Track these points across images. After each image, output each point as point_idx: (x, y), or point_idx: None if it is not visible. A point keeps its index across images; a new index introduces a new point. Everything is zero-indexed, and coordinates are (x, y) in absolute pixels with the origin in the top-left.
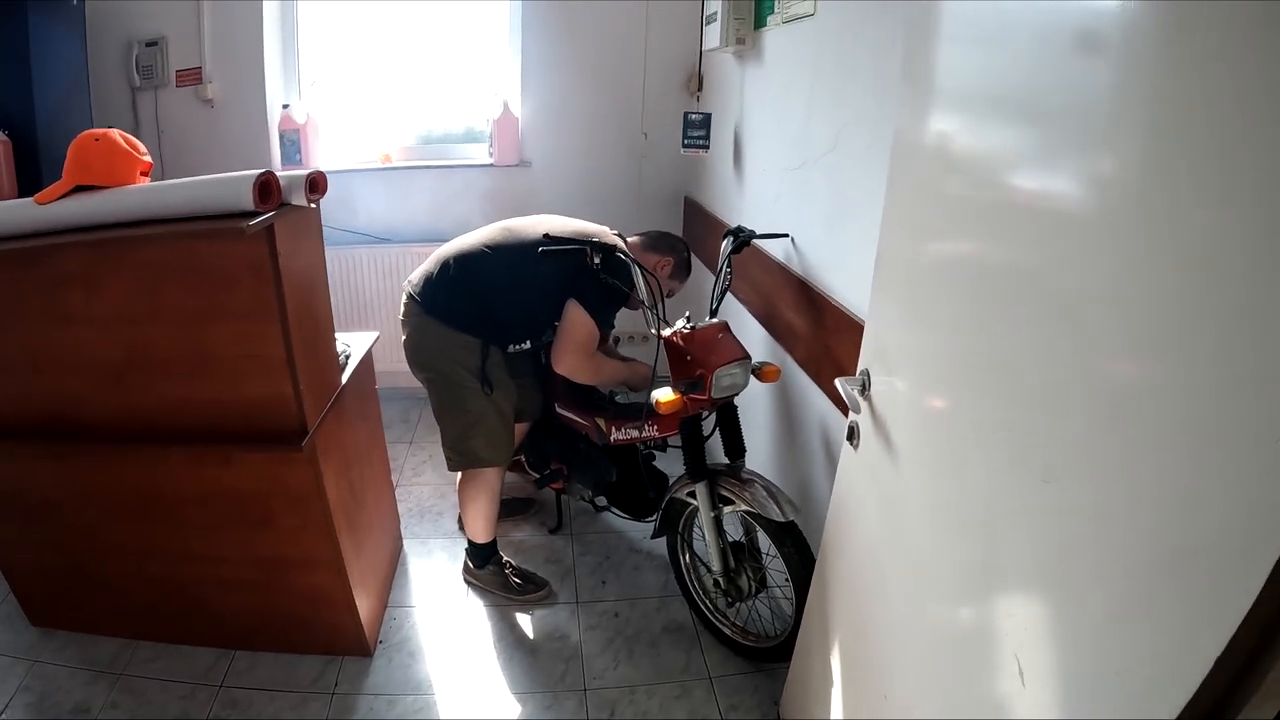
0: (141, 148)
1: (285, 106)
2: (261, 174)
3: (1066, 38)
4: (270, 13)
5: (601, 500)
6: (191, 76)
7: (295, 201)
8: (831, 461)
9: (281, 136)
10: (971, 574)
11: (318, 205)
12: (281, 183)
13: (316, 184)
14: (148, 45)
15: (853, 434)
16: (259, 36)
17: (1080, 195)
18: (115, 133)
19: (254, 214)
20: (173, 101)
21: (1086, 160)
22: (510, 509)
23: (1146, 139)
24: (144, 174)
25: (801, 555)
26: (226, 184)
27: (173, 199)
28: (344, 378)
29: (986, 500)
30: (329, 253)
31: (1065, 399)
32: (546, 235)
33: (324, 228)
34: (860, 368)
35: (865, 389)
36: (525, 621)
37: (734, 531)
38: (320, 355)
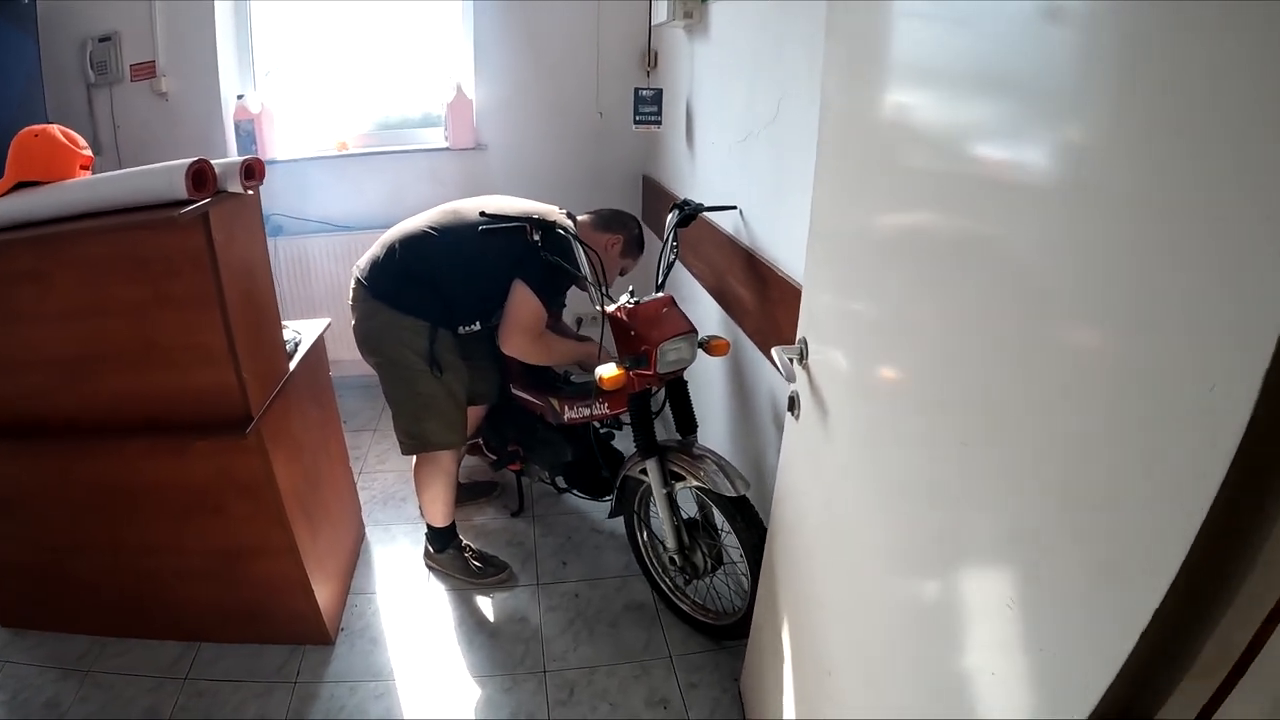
0: (81, 141)
1: (240, 97)
2: (194, 162)
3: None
4: (223, 4)
5: (561, 481)
6: (145, 70)
7: (231, 189)
8: (781, 434)
9: (237, 127)
10: (901, 545)
11: (256, 192)
12: (216, 170)
13: (253, 170)
14: (101, 41)
15: (793, 404)
16: (212, 28)
17: (1018, 164)
18: (54, 128)
19: (189, 203)
20: (128, 96)
21: (1026, 128)
22: (472, 492)
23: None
24: (84, 168)
25: (753, 530)
26: (160, 174)
27: (111, 192)
28: (293, 364)
29: (915, 467)
30: (285, 242)
31: (990, 365)
32: (483, 213)
33: (280, 218)
34: (799, 336)
35: (803, 358)
36: (486, 605)
37: (690, 508)
38: (264, 342)
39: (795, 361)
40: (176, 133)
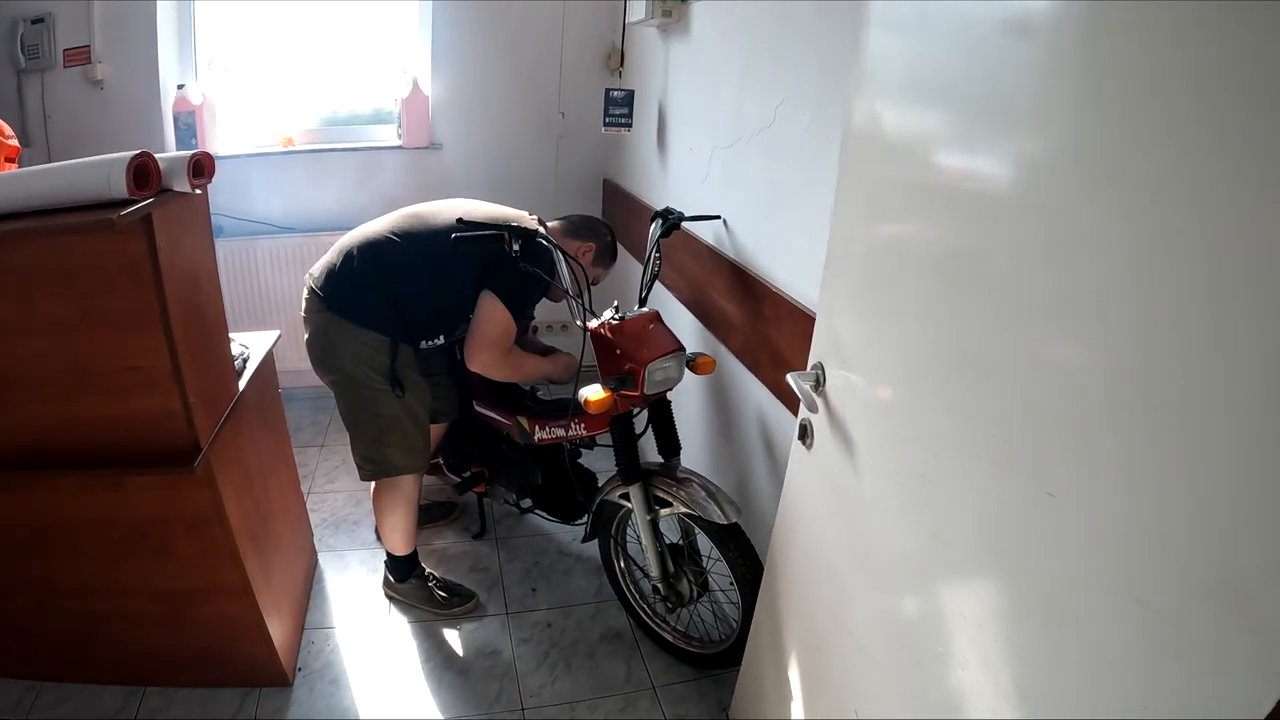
0: (7, 131)
1: (180, 87)
2: (136, 155)
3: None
4: None
5: (527, 502)
6: (80, 56)
7: (177, 188)
8: (772, 455)
9: (176, 120)
10: (940, 586)
11: (205, 191)
12: (161, 166)
13: (202, 166)
14: (33, 23)
15: (805, 433)
16: (152, 13)
17: (1063, 184)
18: None
19: (129, 203)
20: (60, 83)
21: (1073, 146)
22: (430, 514)
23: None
24: (9, 160)
25: (747, 558)
26: (96, 169)
27: (39, 188)
28: (242, 383)
29: (981, 518)
30: (226, 245)
31: (1048, 398)
32: (460, 220)
33: (220, 218)
34: (812, 361)
35: (820, 384)
36: (454, 637)
37: (671, 533)
38: (212, 362)
39: (812, 387)
40: (111, 124)
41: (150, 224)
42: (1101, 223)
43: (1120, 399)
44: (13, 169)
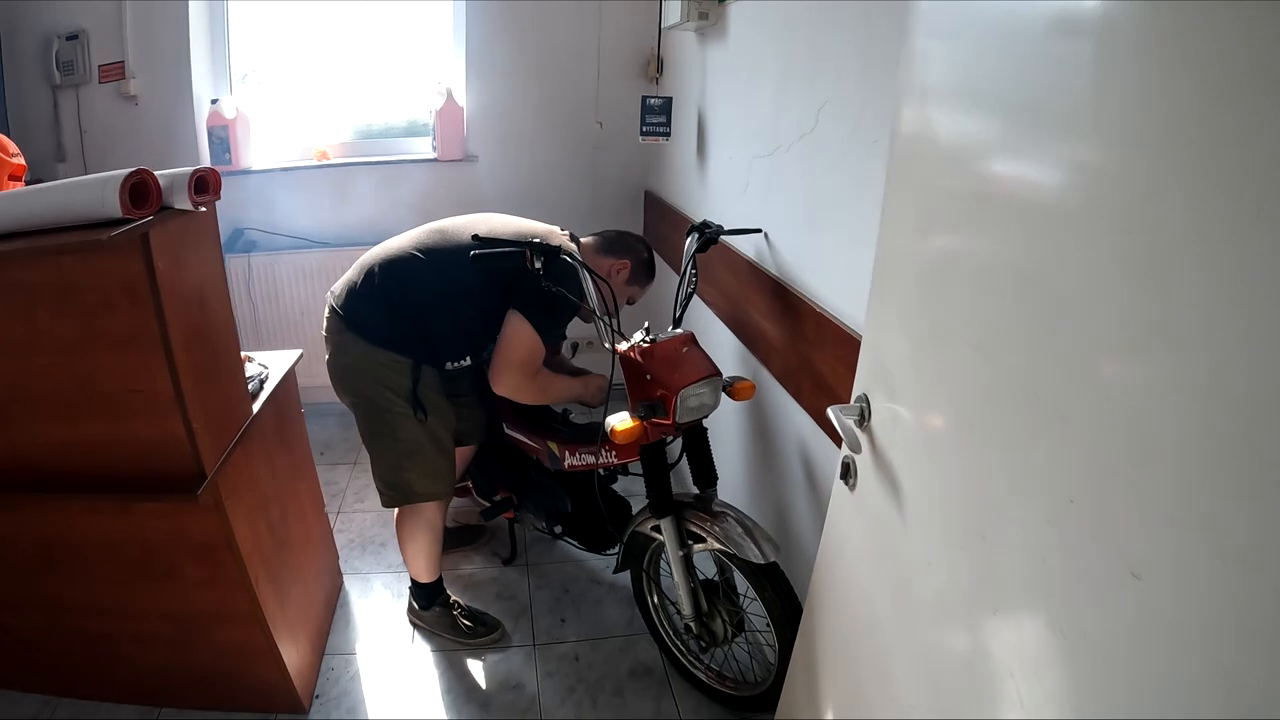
0: (11, 148)
1: (214, 102)
2: (131, 173)
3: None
4: (197, 2)
5: (558, 528)
6: (114, 72)
7: (179, 205)
8: (814, 489)
9: (210, 134)
10: (997, 665)
11: (211, 209)
12: (161, 183)
13: (205, 183)
14: (68, 39)
15: (848, 471)
16: (185, 27)
17: (1152, 192)
18: None
19: (126, 222)
20: (95, 99)
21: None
22: (459, 538)
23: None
24: (14, 178)
25: (784, 600)
26: (91, 187)
27: (37, 208)
28: (257, 406)
29: (1019, 578)
30: (259, 260)
31: (1135, 452)
32: (476, 237)
33: (253, 233)
34: (857, 391)
35: (864, 419)
36: (477, 668)
37: (707, 568)
38: (220, 386)
39: (855, 423)
40: (146, 139)
41: (147, 242)
42: (1204, 236)
43: (1229, 459)
44: (16, 188)
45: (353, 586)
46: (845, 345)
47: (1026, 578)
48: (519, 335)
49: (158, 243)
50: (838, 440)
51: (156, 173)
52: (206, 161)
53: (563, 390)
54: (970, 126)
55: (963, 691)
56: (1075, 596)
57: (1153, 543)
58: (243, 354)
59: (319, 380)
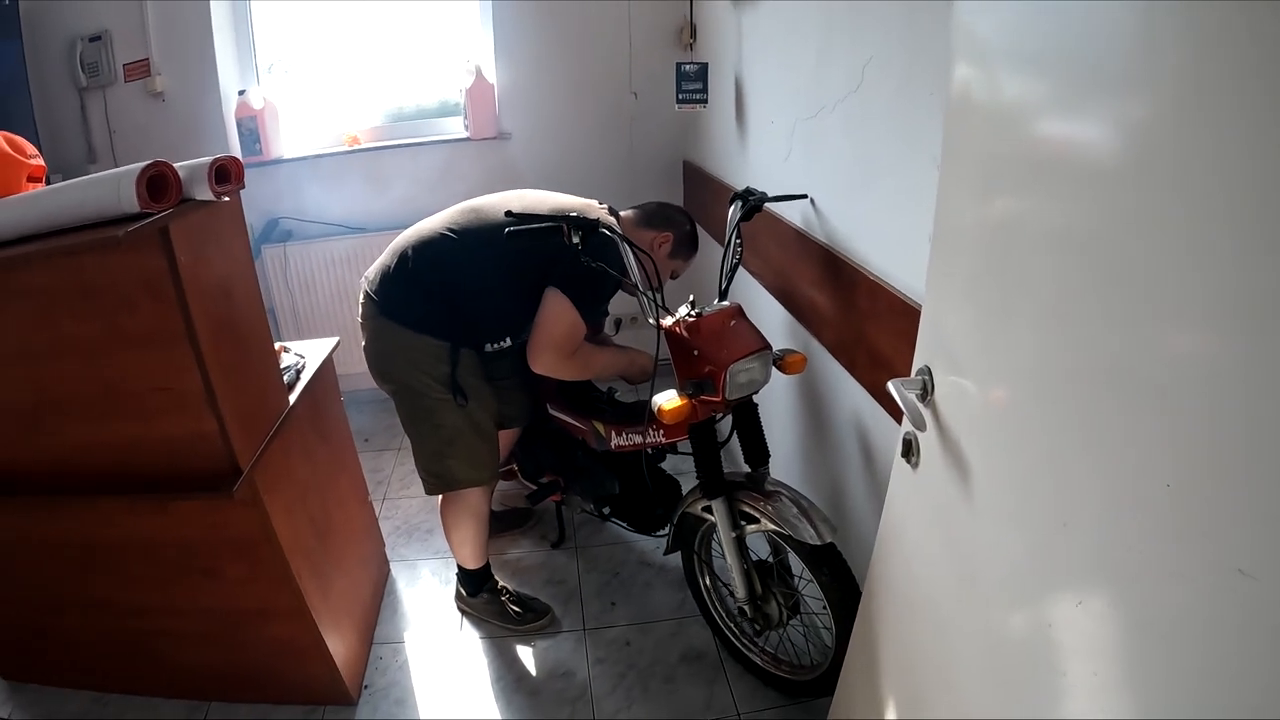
0: (29, 149)
1: (241, 93)
2: (149, 165)
3: None
4: None
5: (605, 510)
6: (139, 70)
7: (200, 196)
8: (871, 466)
9: (239, 125)
10: (1078, 666)
11: (235, 199)
12: (181, 175)
13: (227, 172)
14: (91, 41)
15: (909, 449)
16: (207, 21)
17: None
18: None
19: (142, 216)
20: (122, 98)
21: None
22: (506, 522)
23: None
24: (33, 179)
25: (841, 583)
26: (106, 183)
27: (53, 208)
28: (293, 397)
29: (1107, 572)
30: (294, 249)
31: (1244, 434)
32: (509, 213)
33: (292, 221)
34: (918, 364)
35: (927, 393)
36: (526, 655)
37: (760, 549)
38: (252, 379)
39: (917, 397)
40: (175, 135)
41: (168, 236)
42: None
43: None
44: (34, 189)
45: (400, 574)
46: (902, 315)
47: (1112, 569)
48: (558, 313)
49: (179, 236)
50: (896, 415)
51: (175, 164)
52: (237, 153)
53: (606, 365)
54: (1041, 79)
55: (1034, 685)
56: (1169, 592)
57: (1266, 538)
58: (277, 345)
59: (360, 368)
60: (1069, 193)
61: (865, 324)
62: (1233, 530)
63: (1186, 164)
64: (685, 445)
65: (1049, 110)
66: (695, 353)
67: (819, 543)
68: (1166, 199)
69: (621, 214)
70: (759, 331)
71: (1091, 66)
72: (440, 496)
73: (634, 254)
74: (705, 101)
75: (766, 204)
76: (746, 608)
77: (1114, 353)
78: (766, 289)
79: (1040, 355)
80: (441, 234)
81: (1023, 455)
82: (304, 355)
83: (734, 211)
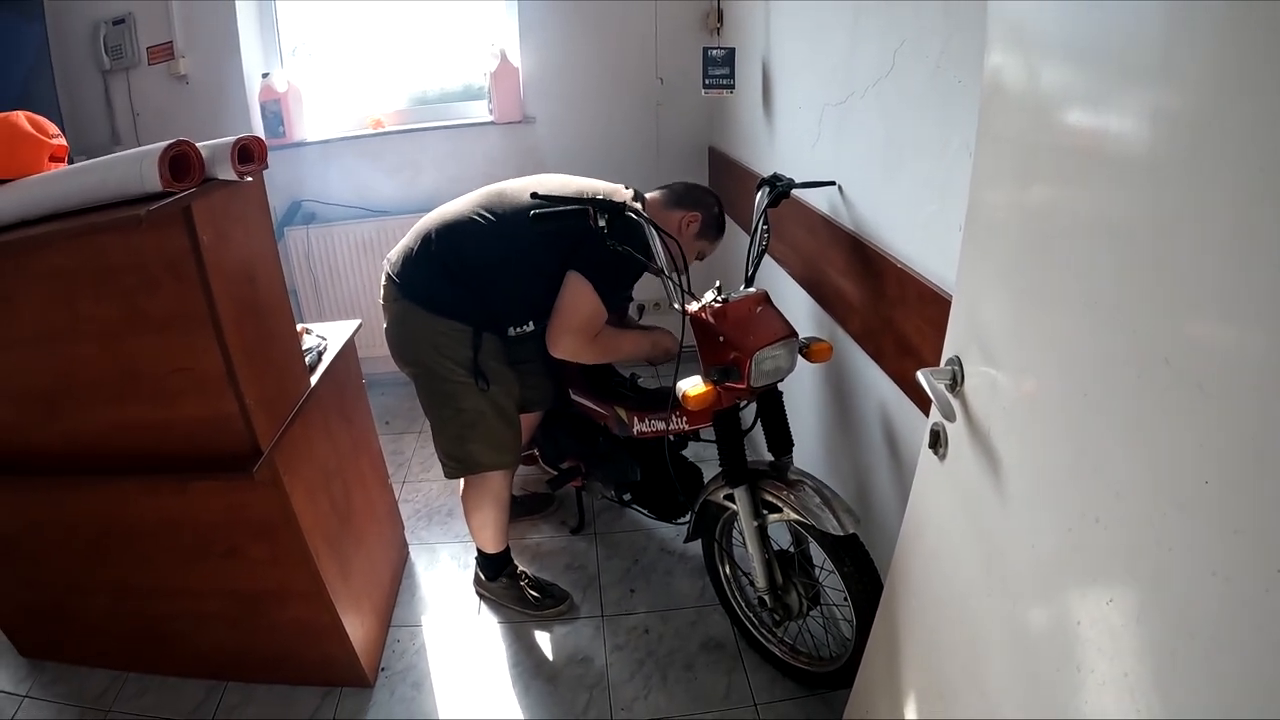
0: (51, 129)
1: (265, 76)
2: (171, 145)
3: None
4: None
5: (626, 496)
6: (163, 52)
7: (222, 176)
8: (896, 457)
9: (263, 108)
10: (1114, 667)
11: (258, 179)
12: (203, 154)
13: (249, 152)
14: (115, 24)
15: (937, 440)
16: (231, 4)
17: None
18: (19, 115)
19: (164, 196)
20: (146, 81)
21: None
22: (526, 507)
23: None
24: (55, 159)
25: (863, 574)
26: (129, 162)
27: (72, 187)
28: (314, 379)
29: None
30: (317, 232)
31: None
32: (534, 195)
33: (316, 204)
34: (948, 354)
35: (957, 384)
36: (544, 640)
37: (781, 539)
38: (274, 361)
39: (946, 387)
40: (198, 117)
41: (190, 216)
42: None
43: None
44: (56, 169)
45: (419, 557)
46: (931, 304)
47: (1147, 567)
48: (578, 298)
49: (201, 215)
50: (924, 405)
51: (198, 144)
52: (261, 136)
53: (628, 349)
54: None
55: (1063, 686)
56: (1209, 595)
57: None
58: (299, 326)
59: (382, 350)
60: (1112, 182)
61: (892, 312)
62: (1275, 530)
63: (1232, 154)
64: (708, 432)
65: (1091, 99)
66: (721, 339)
67: (841, 533)
68: (1213, 189)
69: (648, 195)
70: (785, 318)
71: (1134, 55)
72: (461, 480)
73: (660, 237)
74: (732, 87)
75: (793, 190)
76: (766, 597)
77: (1155, 345)
78: (792, 276)
79: (1078, 347)
80: (466, 217)
81: (1056, 448)
82: (325, 337)
83: (761, 197)
